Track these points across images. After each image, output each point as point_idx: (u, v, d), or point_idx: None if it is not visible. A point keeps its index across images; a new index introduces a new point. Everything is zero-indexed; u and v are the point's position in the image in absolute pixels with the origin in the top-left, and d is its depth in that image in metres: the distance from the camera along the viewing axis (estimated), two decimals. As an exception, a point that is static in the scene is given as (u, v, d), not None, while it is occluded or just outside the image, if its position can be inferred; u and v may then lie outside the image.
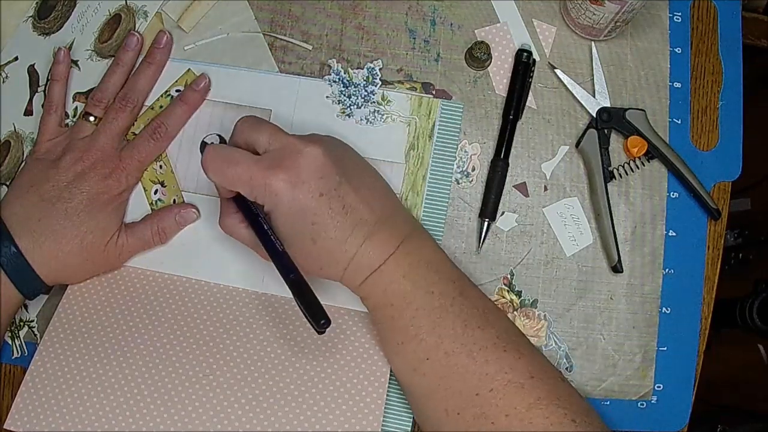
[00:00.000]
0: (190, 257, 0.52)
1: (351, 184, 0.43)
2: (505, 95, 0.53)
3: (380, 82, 0.54)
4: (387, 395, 0.47)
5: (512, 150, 0.52)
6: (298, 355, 0.48)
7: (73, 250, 0.48)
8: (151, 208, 0.52)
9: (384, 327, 0.45)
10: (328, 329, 0.41)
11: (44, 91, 0.54)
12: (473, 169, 0.53)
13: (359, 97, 0.53)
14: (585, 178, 0.52)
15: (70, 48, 0.55)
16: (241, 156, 0.43)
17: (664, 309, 0.51)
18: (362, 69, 0.54)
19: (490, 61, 0.54)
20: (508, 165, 0.52)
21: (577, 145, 0.52)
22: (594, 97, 0.53)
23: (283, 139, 0.43)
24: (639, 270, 0.51)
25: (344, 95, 0.53)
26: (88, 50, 0.55)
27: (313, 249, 0.42)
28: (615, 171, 0.52)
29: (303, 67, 0.54)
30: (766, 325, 0.88)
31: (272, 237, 0.44)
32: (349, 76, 0.54)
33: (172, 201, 0.53)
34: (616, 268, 0.51)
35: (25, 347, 0.52)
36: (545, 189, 0.52)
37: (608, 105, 0.53)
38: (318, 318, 0.41)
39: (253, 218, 0.45)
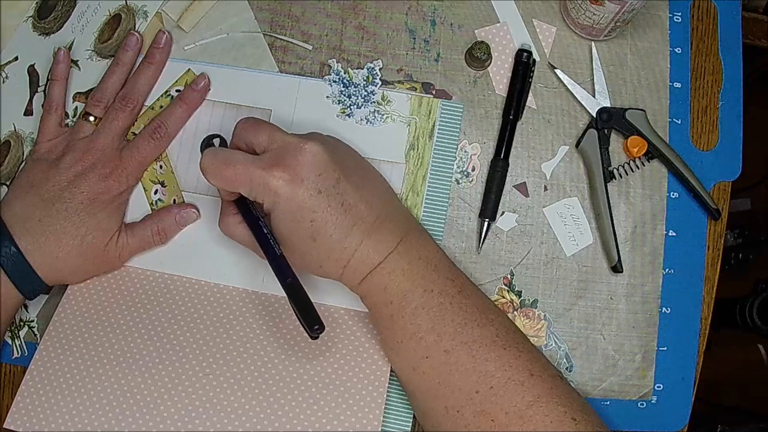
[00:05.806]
0: (190, 257, 0.52)
1: (350, 182, 0.43)
2: (505, 95, 0.53)
3: (380, 82, 0.54)
4: (387, 395, 0.47)
5: (512, 150, 0.52)
6: (298, 354, 0.48)
7: (73, 251, 0.48)
8: (151, 208, 0.52)
9: (383, 326, 0.45)
10: (323, 333, 0.41)
11: (44, 91, 0.54)
12: (473, 169, 0.53)
13: (359, 97, 0.53)
14: (585, 178, 0.52)
15: (70, 48, 0.55)
16: (240, 156, 0.43)
17: (664, 309, 0.51)
18: (362, 69, 0.54)
19: (490, 61, 0.54)
20: (508, 165, 0.52)
21: (577, 145, 0.52)
22: (594, 97, 0.53)
23: (281, 138, 0.43)
24: (639, 270, 0.51)
25: (344, 95, 0.53)
26: (88, 50, 0.55)
27: (312, 247, 0.42)
28: (615, 171, 0.52)
29: (303, 67, 0.54)
30: (766, 325, 0.88)
31: (271, 241, 0.44)
32: (349, 76, 0.54)
33: (172, 201, 0.53)
34: (616, 268, 0.51)
35: (25, 347, 0.52)
36: (545, 189, 0.52)
37: (608, 105, 0.53)
38: (312, 323, 0.41)
39: (252, 221, 0.45)
